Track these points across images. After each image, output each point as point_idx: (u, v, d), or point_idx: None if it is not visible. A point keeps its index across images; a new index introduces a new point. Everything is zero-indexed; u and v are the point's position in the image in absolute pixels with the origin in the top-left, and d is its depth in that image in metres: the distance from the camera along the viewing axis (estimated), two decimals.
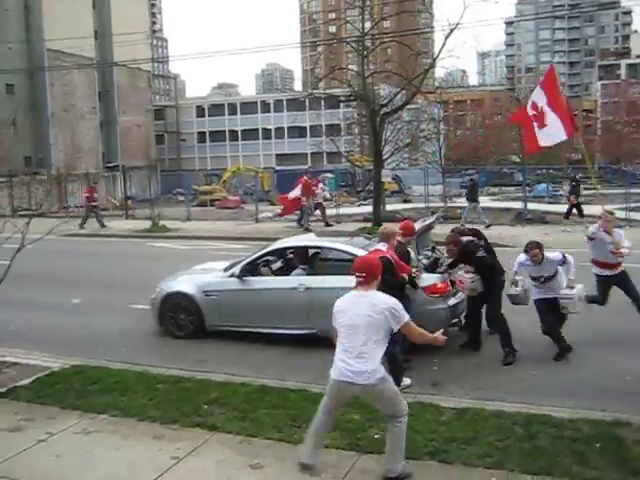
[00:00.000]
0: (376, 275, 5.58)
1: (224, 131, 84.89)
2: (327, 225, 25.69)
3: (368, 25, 26.78)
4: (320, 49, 64.37)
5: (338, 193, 34.88)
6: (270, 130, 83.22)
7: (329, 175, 53.62)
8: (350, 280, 9.32)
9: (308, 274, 10.20)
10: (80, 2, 58.48)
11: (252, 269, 10.29)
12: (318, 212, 26.53)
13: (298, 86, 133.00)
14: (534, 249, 8.76)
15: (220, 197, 44.03)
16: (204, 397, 7.34)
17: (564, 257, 8.87)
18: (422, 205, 30.76)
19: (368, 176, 40.14)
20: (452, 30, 23.45)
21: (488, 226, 22.96)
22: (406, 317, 5.43)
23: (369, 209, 26.80)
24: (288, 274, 10.42)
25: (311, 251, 11.09)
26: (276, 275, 10.46)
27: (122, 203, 36.43)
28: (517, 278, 9.21)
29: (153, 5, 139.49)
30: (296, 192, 25.78)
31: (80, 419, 6.85)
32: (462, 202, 36.05)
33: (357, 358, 5.25)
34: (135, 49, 53.07)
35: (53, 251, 17.06)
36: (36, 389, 7.75)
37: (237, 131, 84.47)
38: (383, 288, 7.31)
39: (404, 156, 36.75)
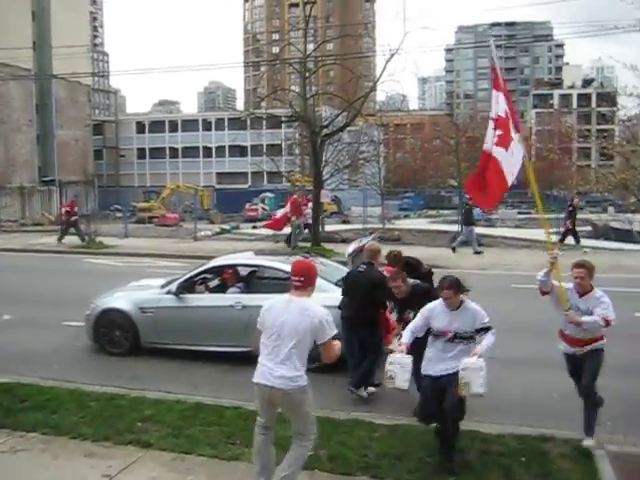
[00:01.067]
0: (313, 281, 5.36)
1: (164, 148, 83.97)
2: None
3: (311, 47, 27.18)
4: (263, 69, 64.66)
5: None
6: (211, 148, 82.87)
7: (269, 194, 53.84)
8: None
9: (245, 292, 10.23)
10: (19, 12, 57.32)
11: (189, 286, 10.28)
12: (307, 231, 25.98)
13: (240, 105, 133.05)
14: (446, 288, 5.96)
15: (159, 214, 43.63)
16: (138, 414, 7.27)
17: (488, 325, 6.00)
18: (360, 226, 31.21)
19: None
20: (392, 55, 24.16)
21: (477, 252, 22.89)
22: (334, 332, 5.20)
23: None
24: (224, 292, 10.43)
25: (248, 269, 11.12)
26: (213, 293, 10.47)
27: (57, 218, 35.67)
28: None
29: (95, 19, 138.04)
30: (285, 210, 25.68)
31: (8, 437, 6.69)
32: (400, 224, 36.83)
33: (281, 364, 5.11)
34: (75, 62, 52.24)
35: None
36: None
37: (177, 148, 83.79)
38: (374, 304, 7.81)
39: (344, 177, 37.06)
